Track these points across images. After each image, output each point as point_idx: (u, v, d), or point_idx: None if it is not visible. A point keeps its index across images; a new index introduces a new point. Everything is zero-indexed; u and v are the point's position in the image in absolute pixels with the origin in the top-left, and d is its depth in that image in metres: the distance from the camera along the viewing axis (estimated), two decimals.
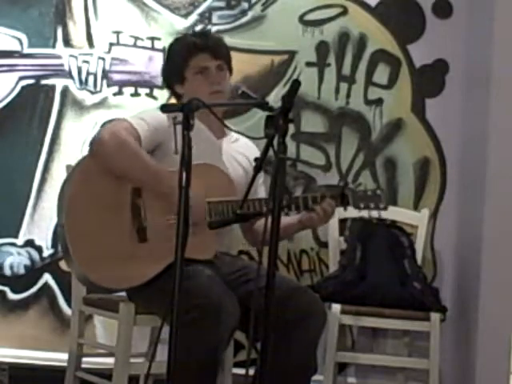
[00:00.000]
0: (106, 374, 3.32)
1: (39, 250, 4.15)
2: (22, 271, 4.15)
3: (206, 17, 4.26)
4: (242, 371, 3.06)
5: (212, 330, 2.87)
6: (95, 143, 3.13)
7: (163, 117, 3.12)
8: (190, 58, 3.32)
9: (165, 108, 2.68)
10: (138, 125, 3.15)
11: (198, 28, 4.20)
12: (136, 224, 3.08)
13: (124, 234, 3.06)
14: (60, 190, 3.16)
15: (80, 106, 4.21)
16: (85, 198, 3.06)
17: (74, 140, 4.17)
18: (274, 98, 4.10)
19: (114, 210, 3.07)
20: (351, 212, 3.39)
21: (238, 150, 3.39)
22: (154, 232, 3.08)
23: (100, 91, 4.21)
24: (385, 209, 3.25)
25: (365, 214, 3.32)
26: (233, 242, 3.47)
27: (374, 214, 3.33)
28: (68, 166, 3.47)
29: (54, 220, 4.09)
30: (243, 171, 3.36)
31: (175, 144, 3.06)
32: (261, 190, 3.42)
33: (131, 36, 4.23)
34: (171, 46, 3.49)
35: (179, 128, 2.49)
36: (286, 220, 3.23)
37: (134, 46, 4.24)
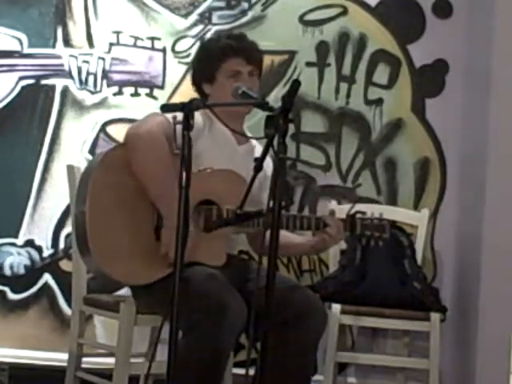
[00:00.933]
0: (106, 373, 3.32)
1: (39, 250, 4.15)
2: (21, 271, 4.15)
3: (206, 17, 4.26)
4: (242, 371, 3.06)
5: (216, 332, 2.85)
6: (131, 135, 3.06)
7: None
8: (223, 60, 3.25)
9: (165, 108, 2.67)
10: (172, 117, 3.10)
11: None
12: (155, 222, 3.07)
13: (143, 230, 3.03)
14: (83, 174, 3.11)
15: (80, 106, 4.21)
16: (109, 187, 3.02)
17: (74, 140, 4.17)
18: (274, 98, 4.10)
19: (137, 204, 3.02)
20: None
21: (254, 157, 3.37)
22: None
23: (100, 91, 4.21)
24: (386, 239, 3.26)
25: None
26: (235, 242, 3.47)
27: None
28: (68, 166, 3.47)
29: (54, 220, 4.11)
30: (257, 181, 3.33)
31: (175, 144, 3.05)
32: (263, 195, 3.40)
33: (131, 36, 4.24)
34: (205, 44, 3.45)
35: (179, 128, 2.48)
36: (299, 240, 3.26)
37: (134, 46, 4.24)
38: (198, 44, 4.11)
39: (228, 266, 3.13)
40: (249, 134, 3.36)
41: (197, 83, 3.35)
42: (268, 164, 3.32)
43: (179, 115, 2.54)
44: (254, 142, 3.39)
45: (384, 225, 3.22)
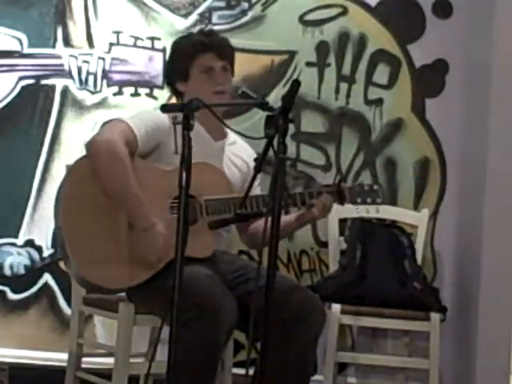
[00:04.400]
0: (106, 373, 3.32)
1: (39, 249, 4.15)
2: (22, 271, 4.15)
3: (205, 17, 4.26)
4: (242, 371, 3.06)
5: (210, 329, 2.87)
6: (90, 144, 3.13)
7: (163, 117, 3.12)
8: (195, 56, 3.30)
9: (165, 108, 2.68)
10: (135, 126, 3.14)
11: (203, 27, 4.18)
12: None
13: (121, 234, 3.06)
14: (57, 192, 3.16)
15: (80, 106, 4.21)
16: (81, 198, 3.07)
17: (74, 140, 4.17)
18: (274, 98, 4.10)
19: (111, 210, 3.06)
20: (351, 212, 3.39)
21: (235, 152, 3.39)
22: None
23: (100, 91, 4.21)
24: (381, 203, 3.24)
25: (363, 210, 3.30)
26: (232, 240, 3.47)
27: (372, 209, 3.31)
28: (68, 166, 3.47)
29: (54, 219, 4.10)
30: (239, 173, 3.36)
31: (175, 144, 3.07)
32: (256, 192, 3.41)
33: (131, 36, 4.24)
34: (176, 43, 3.46)
35: (179, 128, 2.49)
36: (284, 218, 3.22)
37: (134, 46, 4.24)
38: None
39: (216, 261, 3.14)
40: (231, 130, 3.37)
41: (171, 82, 3.38)
42: (245, 149, 3.35)
43: (179, 115, 2.55)
44: (233, 137, 3.40)
45: (376, 189, 3.22)
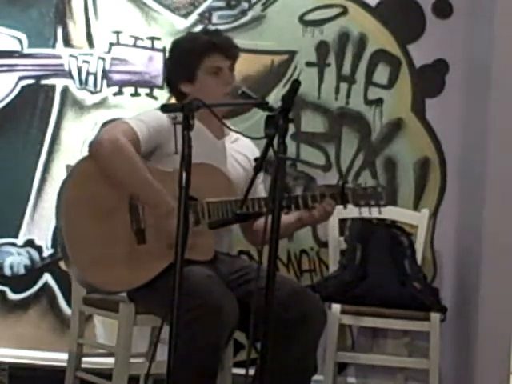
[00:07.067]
0: (106, 373, 3.32)
1: (39, 250, 4.15)
2: (22, 271, 4.15)
3: (206, 17, 4.26)
4: (242, 371, 3.07)
5: (212, 329, 2.87)
6: (93, 145, 3.12)
7: (163, 117, 3.11)
8: (204, 56, 3.26)
9: (165, 108, 2.68)
10: (137, 126, 3.14)
11: (207, 27, 4.16)
12: (134, 226, 3.08)
13: (122, 236, 3.06)
14: (58, 192, 3.16)
15: (80, 106, 4.21)
16: (83, 200, 3.06)
17: (74, 140, 4.17)
18: (274, 98, 4.10)
19: (112, 212, 3.06)
20: (351, 212, 3.38)
21: (238, 149, 3.39)
22: (152, 233, 3.08)
23: (100, 91, 4.21)
24: (385, 205, 3.22)
25: (365, 211, 3.27)
26: (233, 242, 3.47)
27: (375, 210, 3.28)
28: (68, 166, 3.47)
29: (54, 220, 4.10)
30: (243, 171, 3.35)
31: (175, 144, 3.06)
32: (260, 189, 3.42)
33: (131, 36, 4.24)
34: (180, 42, 3.41)
35: (179, 128, 2.49)
36: (285, 218, 3.21)
37: (134, 46, 4.24)
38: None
39: (217, 263, 3.14)
40: (231, 131, 3.36)
41: (174, 83, 3.34)
42: (248, 146, 3.34)
43: (179, 115, 2.55)
44: (234, 134, 3.38)
45: (379, 192, 3.20)
